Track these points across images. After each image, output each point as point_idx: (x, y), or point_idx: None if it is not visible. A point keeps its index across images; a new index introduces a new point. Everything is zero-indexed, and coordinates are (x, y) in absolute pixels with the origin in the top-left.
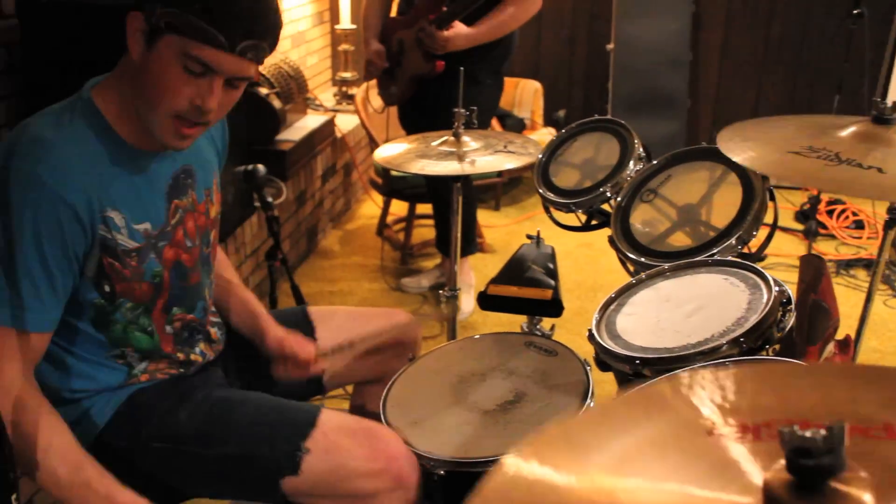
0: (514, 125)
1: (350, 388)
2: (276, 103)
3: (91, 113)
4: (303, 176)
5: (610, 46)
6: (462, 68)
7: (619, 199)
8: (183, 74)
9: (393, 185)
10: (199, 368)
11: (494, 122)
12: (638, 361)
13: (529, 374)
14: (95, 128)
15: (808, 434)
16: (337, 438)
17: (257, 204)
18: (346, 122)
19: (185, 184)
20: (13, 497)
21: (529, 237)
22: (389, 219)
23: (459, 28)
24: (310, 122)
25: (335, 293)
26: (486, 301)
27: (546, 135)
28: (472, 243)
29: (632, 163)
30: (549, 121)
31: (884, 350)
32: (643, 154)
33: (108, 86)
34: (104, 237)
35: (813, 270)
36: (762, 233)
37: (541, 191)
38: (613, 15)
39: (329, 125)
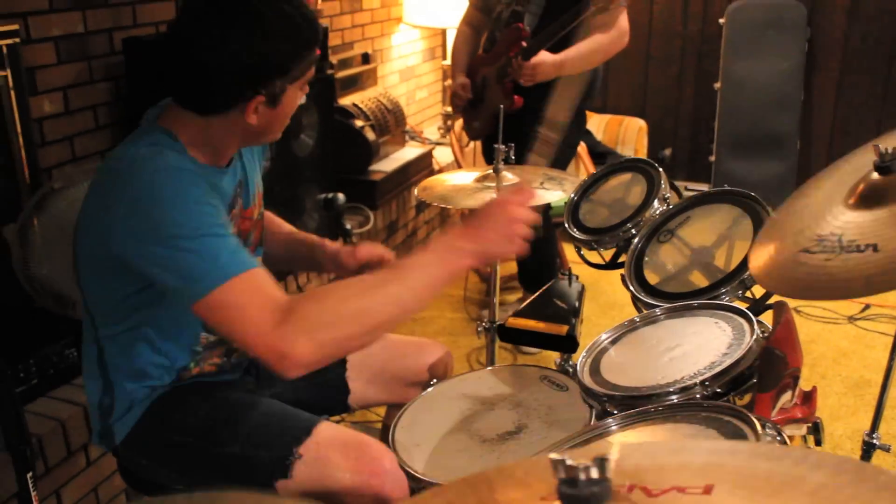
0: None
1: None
2: (370, 135)
3: (169, 137)
4: (395, 206)
5: (717, 85)
6: (502, 106)
7: (636, 238)
8: (298, 93)
9: None
10: (237, 363)
11: (584, 154)
12: (605, 398)
13: (536, 407)
14: (177, 148)
15: (576, 465)
16: (328, 448)
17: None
18: (447, 155)
19: (238, 194)
20: (28, 475)
21: (563, 274)
22: None
23: (545, 55)
24: (407, 153)
25: (416, 320)
26: (505, 333)
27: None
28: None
29: (656, 202)
30: (654, 159)
31: None
32: (668, 195)
33: (179, 119)
34: None
35: (778, 318)
36: None
37: (567, 227)
38: (721, 54)
39: (426, 157)
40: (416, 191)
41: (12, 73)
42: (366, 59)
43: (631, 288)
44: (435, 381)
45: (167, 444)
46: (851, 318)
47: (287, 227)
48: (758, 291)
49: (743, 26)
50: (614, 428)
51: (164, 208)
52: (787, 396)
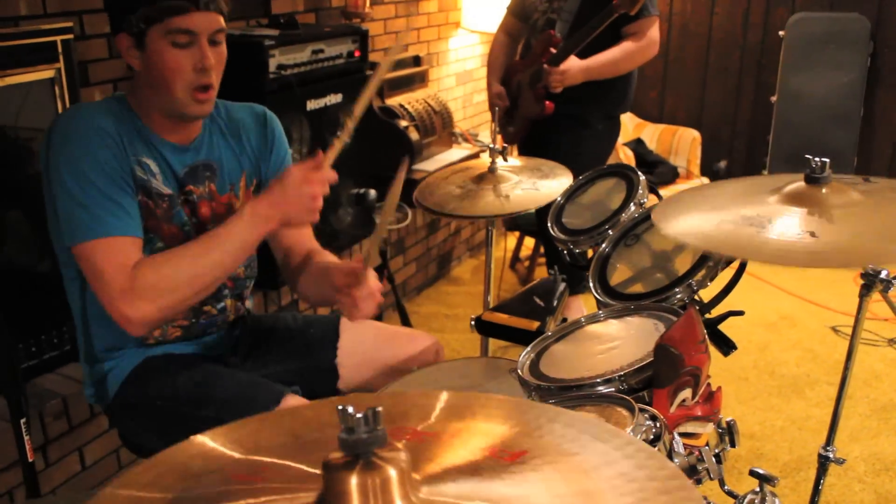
0: (666, 173)
1: None
2: (414, 135)
3: (124, 105)
4: None
5: (774, 98)
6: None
7: (604, 242)
8: (176, 51)
9: (514, 219)
10: (209, 324)
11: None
12: (532, 388)
13: None
14: (127, 115)
15: (354, 413)
16: None
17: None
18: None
19: (204, 176)
20: (22, 421)
21: (550, 272)
22: (524, 253)
23: (573, 61)
24: (452, 155)
25: (449, 317)
26: (481, 326)
27: (699, 185)
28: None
29: (632, 206)
30: (708, 171)
31: None
32: (644, 200)
33: (131, 95)
34: (140, 177)
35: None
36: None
37: (549, 228)
38: (780, 66)
39: (472, 159)
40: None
41: (65, 66)
42: (417, 61)
43: (591, 288)
44: (415, 367)
45: (150, 407)
46: (892, 341)
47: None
48: (706, 295)
49: (803, 39)
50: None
51: (60, 153)
52: (685, 393)
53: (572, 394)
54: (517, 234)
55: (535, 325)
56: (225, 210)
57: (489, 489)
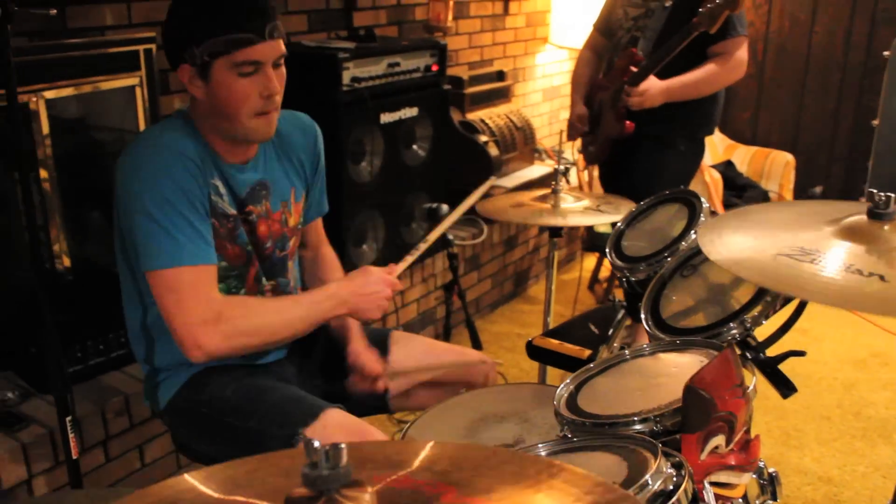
0: (755, 197)
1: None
2: (493, 150)
3: (192, 127)
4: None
5: (875, 122)
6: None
7: (662, 270)
8: (242, 80)
9: (593, 240)
10: (267, 367)
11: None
12: (566, 422)
13: (541, 424)
14: (194, 136)
15: (317, 448)
16: (332, 432)
17: (451, 236)
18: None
19: (260, 194)
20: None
21: (610, 300)
22: (603, 274)
23: (653, 82)
24: (533, 171)
25: (521, 336)
26: (532, 351)
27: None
28: None
29: (693, 235)
30: (802, 196)
31: None
32: None
33: (194, 117)
34: (212, 200)
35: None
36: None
37: (607, 255)
38: (883, 88)
39: (553, 177)
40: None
41: (146, 74)
42: (500, 76)
43: (643, 320)
44: (464, 390)
45: (199, 415)
46: None
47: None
48: (760, 334)
49: None
50: (542, 453)
51: (143, 180)
52: (718, 440)
53: (603, 430)
54: (597, 254)
55: (587, 353)
56: (279, 227)
57: None
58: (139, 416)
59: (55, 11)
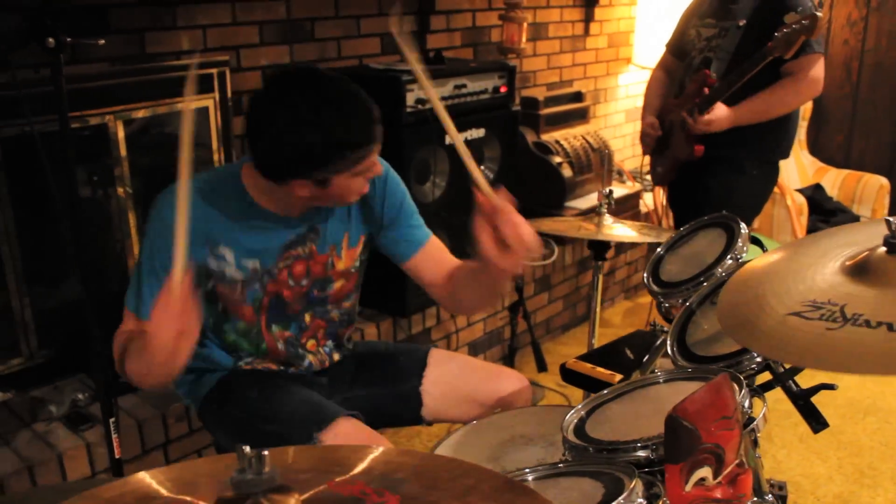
0: (845, 222)
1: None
2: (567, 172)
3: (235, 182)
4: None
5: None
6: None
7: (692, 297)
8: (359, 179)
9: None
10: (297, 374)
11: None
12: (568, 446)
13: None
14: (234, 192)
15: (246, 455)
16: (344, 439)
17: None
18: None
19: (308, 238)
20: (111, 420)
21: (651, 325)
22: None
23: (719, 110)
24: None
25: None
26: (565, 374)
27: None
28: None
29: (729, 260)
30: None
31: None
32: (743, 254)
33: (248, 176)
34: (214, 270)
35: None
36: None
37: (645, 280)
38: None
39: (631, 199)
40: None
41: (219, 96)
42: (578, 97)
43: (668, 345)
44: (499, 409)
45: (228, 417)
46: None
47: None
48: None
49: None
50: (530, 478)
51: (149, 231)
52: (704, 472)
53: (601, 456)
54: None
55: (618, 378)
56: (322, 269)
57: None
58: (198, 422)
59: (103, 42)
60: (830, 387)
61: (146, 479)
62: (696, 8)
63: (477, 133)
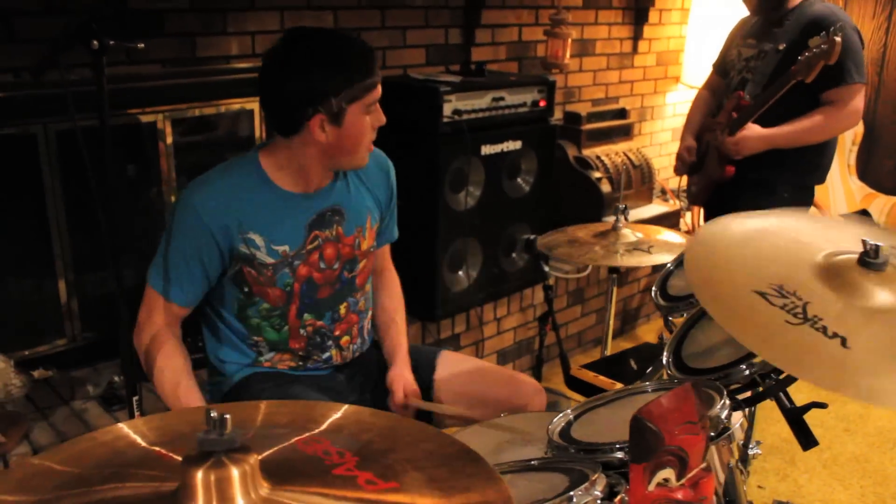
0: None
1: None
2: (605, 187)
3: (253, 166)
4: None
5: None
6: None
7: (694, 311)
8: (368, 118)
9: None
10: (318, 368)
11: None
12: (552, 448)
13: None
14: (254, 175)
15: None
16: None
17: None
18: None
19: (332, 220)
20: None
21: (660, 338)
22: None
23: (751, 129)
24: (649, 210)
25: None
26: (570, 381)
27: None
28: None
29: None
30: None
31: None
32: None
33: (274, 151)
34: (244, 253)
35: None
36: None
37: (652, 294)
38: None
39: (671, 216)
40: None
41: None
42: (622, 114)
43: (664, 357)
44: (504, 413)
45: None
46: None
47: (395, 320)
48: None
49: None
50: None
51: (176, 218)
52: (667, 473)
53: (580, 456)
54: None
55: (618, 386)
56: (350, 250)
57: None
58: None
59: (142, 45)
60: (822, 405)
61: (124, 429)
62: (742, 26)
63: (513, 145)
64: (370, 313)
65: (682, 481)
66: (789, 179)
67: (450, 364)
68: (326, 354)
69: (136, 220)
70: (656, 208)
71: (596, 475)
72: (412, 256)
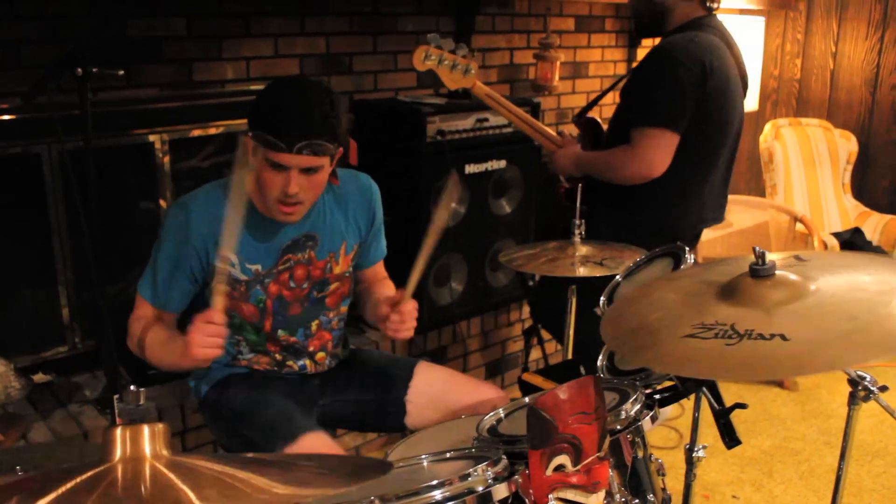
0: None
1: None
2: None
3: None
4: None
5: None
6: None
7: None
8: (271, 171)
9: None
10: (292, 374)
11: None
12: (479, 441)
13: None
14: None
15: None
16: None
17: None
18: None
19: (305, 245)
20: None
21: None
22: None
23: (568, 147)
24: None
25: None
26: (523, 386)
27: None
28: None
29: None
30: None
31: None
32: None
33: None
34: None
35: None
36: None
37: (600, 305)
38: None
39: None
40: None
41: None
42: None
43: (598, 360)
44: (464, 416)
45: (218, 414)
46: None
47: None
48: None
49: None
50: (426, 463)
51: (165, 229)
52: (562, 459)
53: (500, 447)
54: None
55: None
56: (321, 273)
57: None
58: None
59: (123, 72)
60: (742, 406)
61: None
62: None
63: (497, 164)
64: (343, 334)
65: (578, 467)
66: (602, 213)
67: (425, 373)
68: (301, 362)
69: (133, 236)
70: None
71: (488, 463)
72: (399, 271)
